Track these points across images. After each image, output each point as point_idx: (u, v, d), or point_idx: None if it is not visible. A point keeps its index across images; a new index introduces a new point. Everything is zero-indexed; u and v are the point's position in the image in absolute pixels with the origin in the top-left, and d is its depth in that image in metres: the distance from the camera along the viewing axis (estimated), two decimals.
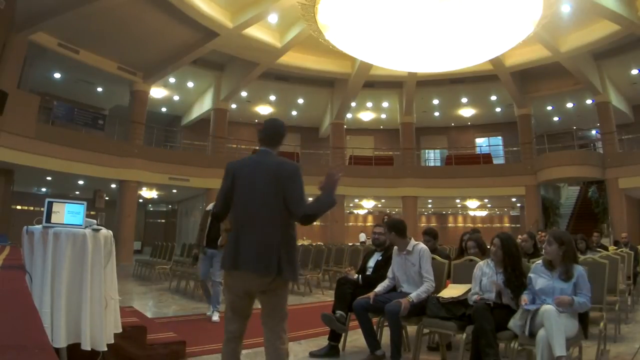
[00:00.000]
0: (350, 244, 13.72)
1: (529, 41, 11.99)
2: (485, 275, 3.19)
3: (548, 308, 2.62)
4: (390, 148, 19.90)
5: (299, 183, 2.31)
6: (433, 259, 3.71)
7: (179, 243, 12.31)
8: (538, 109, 17.77)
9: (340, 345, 3.70)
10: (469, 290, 3.26)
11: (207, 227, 5.26)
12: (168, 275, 8.72)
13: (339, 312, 3.64)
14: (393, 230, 3.69)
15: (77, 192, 18.10)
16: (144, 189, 16.54)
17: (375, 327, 3.58)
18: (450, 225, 23.89)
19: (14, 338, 0.95)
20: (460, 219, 24.07)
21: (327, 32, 11.62)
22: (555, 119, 19.36)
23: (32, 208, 16.83)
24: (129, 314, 3.95)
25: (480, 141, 21.69)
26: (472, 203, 19.85)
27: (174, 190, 17.27)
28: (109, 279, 2.66)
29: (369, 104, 19.46)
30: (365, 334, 3.46)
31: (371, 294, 3.55)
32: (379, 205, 20.82)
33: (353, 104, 18.52)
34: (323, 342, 3.73)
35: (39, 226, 2.49)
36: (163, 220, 22.81)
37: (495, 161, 18.42)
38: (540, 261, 3.03)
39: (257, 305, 2.39)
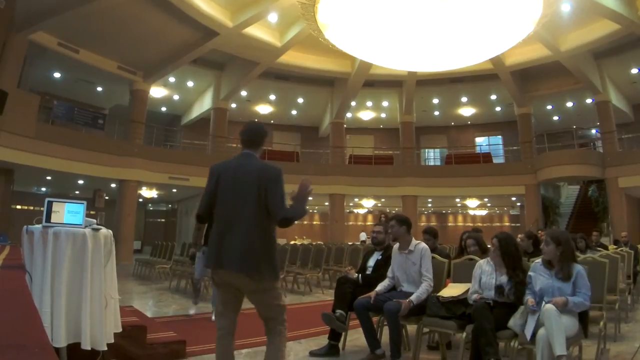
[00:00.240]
0: (350, 243, 13.72)
1: (529, 40, 11.97)
2: (485, 274, 3.20)
3: (548, 307, 2.62)
4: (390, 147, 19.90)
5: (280, 186, 2.36)
6: (433, 258, 3.71)
7: (179, 242, 12.31)
8: (538, 108, 17.76)
9: (340, 345, 3.71)
10: (469, 289, 3.26)
11: (204, 226, 5.28)
12: (168, 274, 8.72)
13: (339, 312, 3.64)
14: (404, 224, 3.68)
15: (77, 192, 18.11)
16: (144, 188, 16.53)
17: (375, 326, 3.59)
18: (450, 224, 23.91)
19: (14, 337, 0.95)
20: (460, 218, 24.08)
21: (327, 31, 11.60)
22: (555, 118, 19.35)
23: (32, 207, 16.81)
24: (129, 313, 3.96)
25: (480, 140, 21.69)
26: (472, 202, 19.87)
27: (174, 190, 17.26)
28: (109, 278, 2.66)
29: (369, 103, 19.45)
30: (365, 333, 3.47)
31: (372, 294, 3.54)
32: (379, 205, 20.82)
33: (353, 103, 18.51)
34: (323, 341, 3.74)
35: (39, 226, 2.49)
36: (163, 220, 22.81)
37: (495, 160, 18.39)
38: (539, 260, 3.03)
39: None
